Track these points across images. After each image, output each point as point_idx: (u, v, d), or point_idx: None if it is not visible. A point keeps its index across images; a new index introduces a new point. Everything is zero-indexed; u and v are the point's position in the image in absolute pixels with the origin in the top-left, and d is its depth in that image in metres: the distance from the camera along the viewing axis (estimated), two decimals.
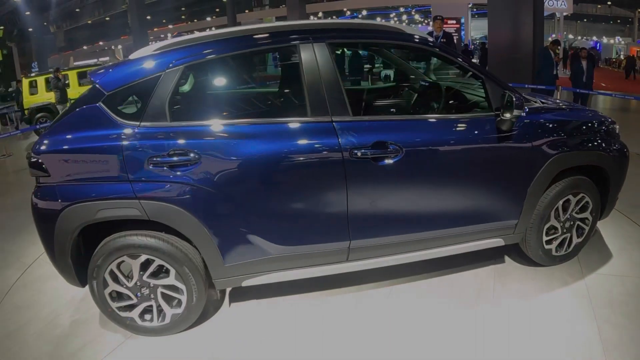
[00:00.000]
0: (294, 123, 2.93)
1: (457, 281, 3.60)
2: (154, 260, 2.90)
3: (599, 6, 55.92)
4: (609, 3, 53.93)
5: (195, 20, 57.07)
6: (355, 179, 2.92)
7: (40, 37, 46.85)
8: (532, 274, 3.65)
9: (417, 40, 3.28)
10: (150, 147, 2.71)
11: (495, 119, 3.16)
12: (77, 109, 2.85)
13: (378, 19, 45.59)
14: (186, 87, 3.33)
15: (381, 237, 3.15)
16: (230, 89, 4.21)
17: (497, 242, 3.46)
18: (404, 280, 3.62)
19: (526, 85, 9.97)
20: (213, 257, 2.93)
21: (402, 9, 49.88)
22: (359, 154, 2.89)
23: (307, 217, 2.99)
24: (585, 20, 61.39)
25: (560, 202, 3.50)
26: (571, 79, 10.57)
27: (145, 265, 2.92)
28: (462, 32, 20.63)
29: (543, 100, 3.81)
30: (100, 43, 58.81)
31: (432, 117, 3.35)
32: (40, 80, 13.95)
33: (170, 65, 2.81)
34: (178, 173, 2.73)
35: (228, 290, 3.58)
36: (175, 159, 2.72)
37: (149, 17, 36.94)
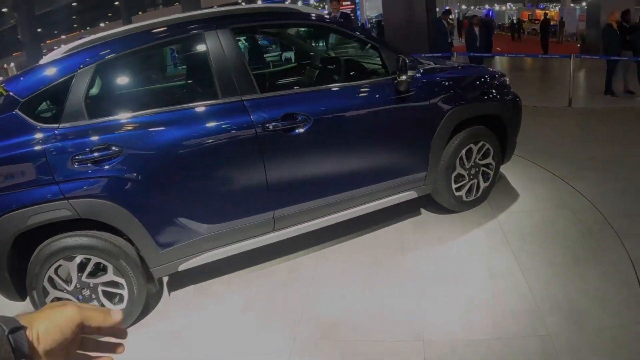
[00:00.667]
0: (207, 106, 3.05)
1: (380, 237, 3.86)
2: (90, 259, 2.91)
3: None
4: None
5: (88, 28, 54.33)
6: (270, 151, 3.09)
7: None
8: (448, 221, 3.99)
9: (314, 18, 3.49)
10: (71, 147, 2.73)
11: (393, 82, 3.43)
12: None
13: None
14: (100, 85, 3.33)
15: (302, 202, 3.33)
16: (144, 82, 4.22)
17: (411, 194, 3.75)
18: (331, 243, 3.83)
19: (423, 55, 10.48)
20: (147, 246, 2.99)
21: None
22: (270, 127, 3.06)
23: (230, 193, 3.12)
24: None
25: (463, 151, 3.83)
26: (466, 45, 11.18)
27: (82, 266, 2.93)
28: (358, 12, 21.10)
29: (437, 62, 4.13)
30: None
31: (335, 86, 3.57)
32: None
33: (82, 65, 2.83)
34: (102, 168, 2.77)
35: (165, 281, 3.63)
36: (97, 154, 2.76)
37: (39, 30, 35.09)
